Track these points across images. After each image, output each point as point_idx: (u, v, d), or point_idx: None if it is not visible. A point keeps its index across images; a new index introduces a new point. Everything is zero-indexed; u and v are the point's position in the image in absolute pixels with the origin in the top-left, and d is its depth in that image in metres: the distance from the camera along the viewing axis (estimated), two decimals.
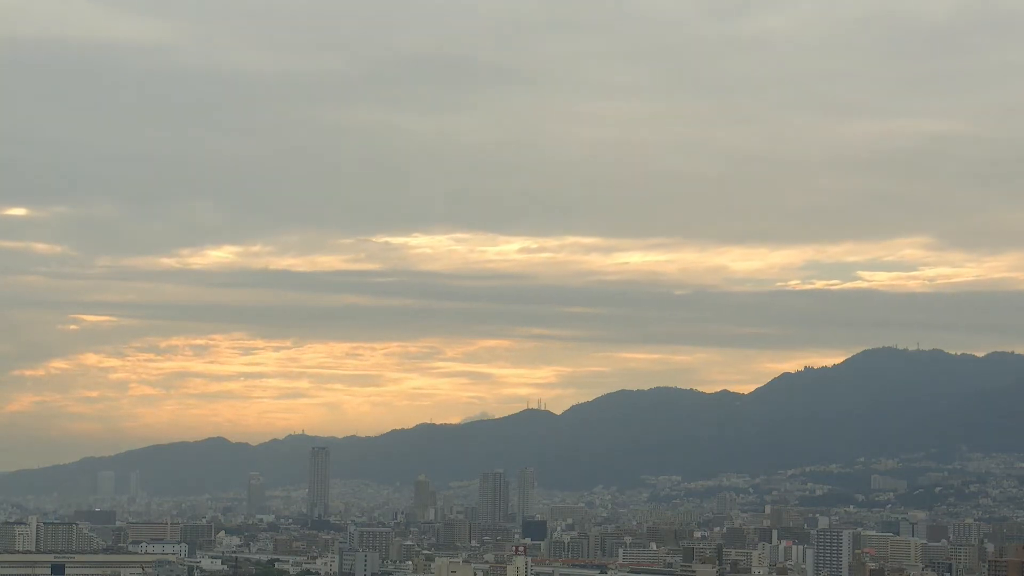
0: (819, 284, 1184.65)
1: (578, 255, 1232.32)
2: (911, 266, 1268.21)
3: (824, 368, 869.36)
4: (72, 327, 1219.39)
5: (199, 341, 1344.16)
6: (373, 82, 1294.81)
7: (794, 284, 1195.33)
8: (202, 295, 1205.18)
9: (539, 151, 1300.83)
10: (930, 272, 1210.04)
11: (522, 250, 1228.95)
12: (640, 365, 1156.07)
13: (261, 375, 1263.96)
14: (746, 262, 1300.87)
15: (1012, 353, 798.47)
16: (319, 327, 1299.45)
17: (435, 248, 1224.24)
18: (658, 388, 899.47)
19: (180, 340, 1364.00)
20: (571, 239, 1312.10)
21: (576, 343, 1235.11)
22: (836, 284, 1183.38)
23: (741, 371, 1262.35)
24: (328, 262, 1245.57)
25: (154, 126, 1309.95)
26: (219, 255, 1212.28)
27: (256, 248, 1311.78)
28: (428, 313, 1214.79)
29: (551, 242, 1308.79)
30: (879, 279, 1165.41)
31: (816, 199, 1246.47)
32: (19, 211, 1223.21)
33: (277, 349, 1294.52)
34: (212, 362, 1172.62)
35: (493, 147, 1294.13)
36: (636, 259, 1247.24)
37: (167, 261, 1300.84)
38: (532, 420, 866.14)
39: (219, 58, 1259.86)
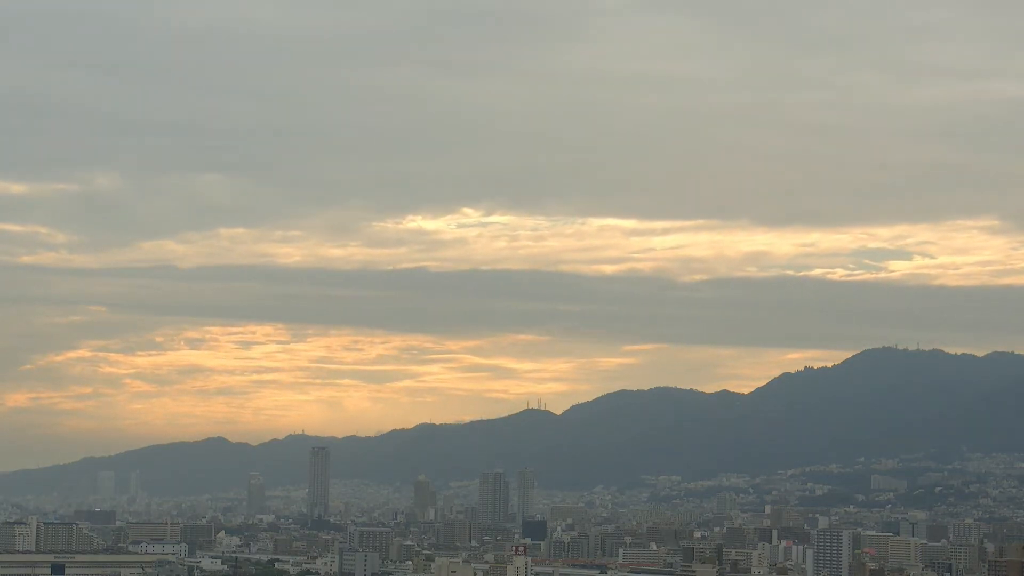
0: (840, 273, 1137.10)
1: (617, 239, 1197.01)
2: (955, 252, 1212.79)
3: (824, 368, 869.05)
4: (69, 319, 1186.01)
5: (196, 334, 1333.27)
6: (405, 40, 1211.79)
7: (817, 273, 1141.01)
8: (204, 288, 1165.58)
9: (586, 121, 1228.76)
10: (958, 260, 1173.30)
11: (556, 234, 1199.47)
12: (642, 363, 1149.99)
13: (261, 369, 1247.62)
14: (792, 247, 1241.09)
15: (1012, 353, 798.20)
16: (322, 320, 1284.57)
17: (465, 232, 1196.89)
18: (658, 388, 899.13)
19: (181, 333, 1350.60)
20: (612, 221, 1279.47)
21: (580, 340, 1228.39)
22: (859, 275, 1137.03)
23: (741, 370, 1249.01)
24: (345, 250, 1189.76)
25: (161, 90, 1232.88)
26: (228, 242, 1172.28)
27: (276, 234, 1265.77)
28: (434, 305, 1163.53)
29: (588, 224, 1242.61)
30: (901, 268, 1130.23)
31: (880, 176, 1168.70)
32: (18, 187, 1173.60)
33: (279, 342, 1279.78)
34: (212, 356, 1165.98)
35: (537, 116, 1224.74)
36: (673, 242, 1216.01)
37: (173, 246, 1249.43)
38: (532, 420, 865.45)
39: (231, 12, 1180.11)
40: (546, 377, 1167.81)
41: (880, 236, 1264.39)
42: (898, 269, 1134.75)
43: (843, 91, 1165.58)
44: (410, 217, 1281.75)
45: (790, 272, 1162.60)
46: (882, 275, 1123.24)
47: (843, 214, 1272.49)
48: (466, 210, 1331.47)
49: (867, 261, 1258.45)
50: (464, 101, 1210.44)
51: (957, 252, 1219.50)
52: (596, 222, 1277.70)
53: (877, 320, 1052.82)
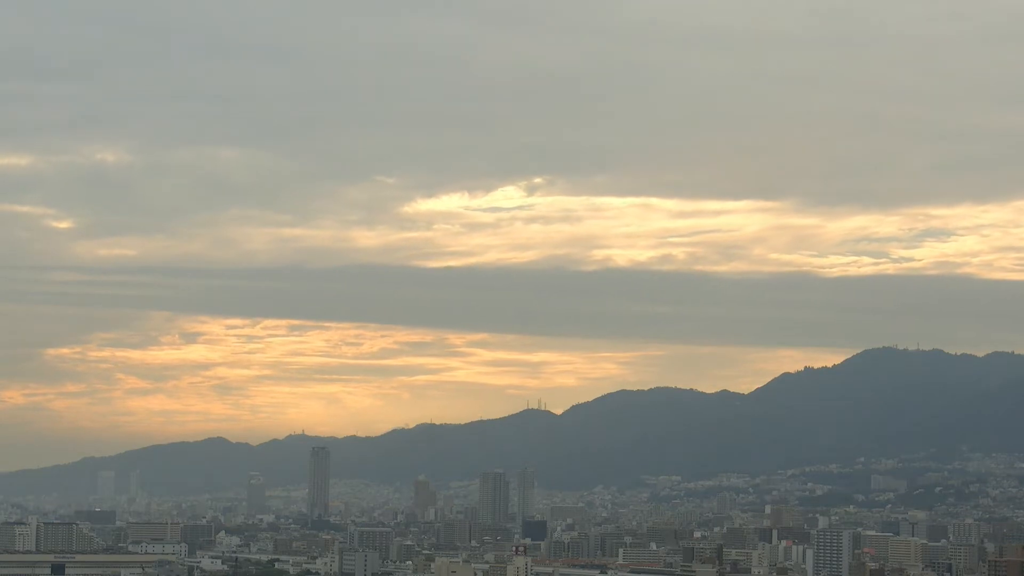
0: (865, 261, 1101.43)
1: (663, 220, 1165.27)
2: (1001, 239, 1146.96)
3: (824, 368, 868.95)
4: (67, 313, 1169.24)
5: (195, 329, 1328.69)
6: None
7: (842, 265, 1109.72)
8: (205, 283, 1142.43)
9: (636, 87, 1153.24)
10: (987, 248, 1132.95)
11: (594, 214, 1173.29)
12: (642, 362, 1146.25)
13: (261, 365, 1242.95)
14: (841, 231, 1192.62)
15: (1012, 353, 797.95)
16: (325, 314, 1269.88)
17: (499, 216, 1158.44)
18: (658, 388, 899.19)
19: (180, 328, 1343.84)
20: (657, 201, 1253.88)
21: (580, 338, 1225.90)
22: (883, 264, 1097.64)
23: (741, 370, 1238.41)
24: (367, 235, 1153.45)
25: (167, 56, 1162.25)
26: (243, 225, 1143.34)
27: (290, 217, 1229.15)
28: (438, 300, 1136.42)
29: (632, 204, 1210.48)
30: (927, 257, 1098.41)
31: (954, 147, 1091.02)
32: (21, 160, 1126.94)
33: (280, 336, 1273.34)
34: (212, 351, 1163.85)
35: (586, 79, 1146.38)
36: (719, 224, 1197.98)
37: (186, 231, 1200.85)
38: (532, 420, 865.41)
39: None
40: (547, 375, 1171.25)
41: (936, 217, 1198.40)
42: (924, 258, 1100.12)
43: (929, 51, 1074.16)
44: (445, 197, 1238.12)
45: (816, 260, 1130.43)
46: (904, 266, 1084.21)
47: (904, 193, 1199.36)
48: (506, 188, 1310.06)
49: (893, 250, 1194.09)
50: (502, 61, 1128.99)
51: (1004, 238, 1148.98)
52: (642, 201, 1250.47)
53: (880, 319, 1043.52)
